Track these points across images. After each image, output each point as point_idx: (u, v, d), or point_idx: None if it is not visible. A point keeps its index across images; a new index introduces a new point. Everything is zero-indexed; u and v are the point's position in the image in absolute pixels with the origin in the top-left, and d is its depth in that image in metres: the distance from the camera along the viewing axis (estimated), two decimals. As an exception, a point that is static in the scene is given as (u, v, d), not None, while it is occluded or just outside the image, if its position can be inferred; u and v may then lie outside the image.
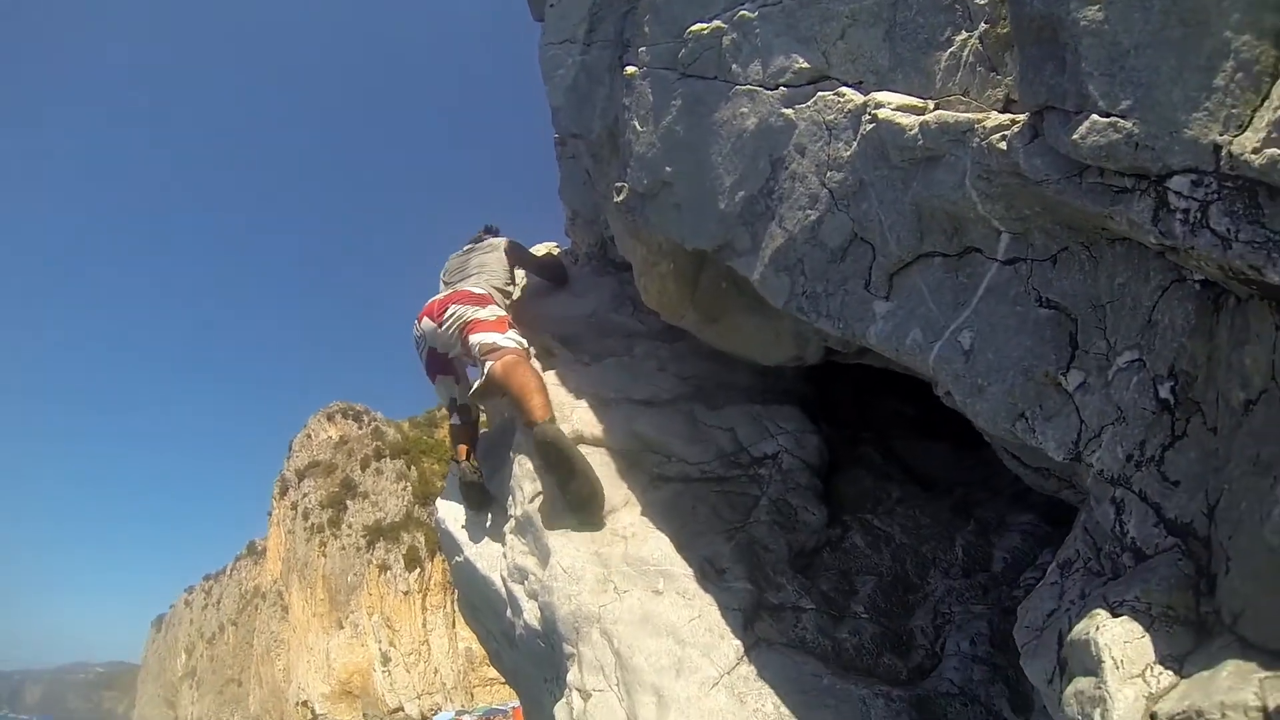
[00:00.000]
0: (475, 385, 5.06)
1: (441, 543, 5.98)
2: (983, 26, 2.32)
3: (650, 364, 5.50)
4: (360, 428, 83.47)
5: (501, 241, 6.34)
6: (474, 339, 5.05)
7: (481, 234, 6.74)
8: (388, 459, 74.66)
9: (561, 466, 4.33)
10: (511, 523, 4.70)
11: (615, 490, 4.45)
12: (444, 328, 5.24)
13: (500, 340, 5.00)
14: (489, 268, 5.92)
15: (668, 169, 3.88)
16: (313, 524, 72.54)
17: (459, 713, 54.26)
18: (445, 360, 5.50)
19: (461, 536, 5.36)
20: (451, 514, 5.61)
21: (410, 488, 71.45)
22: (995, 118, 2.21)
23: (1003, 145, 2.13)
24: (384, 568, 66.53)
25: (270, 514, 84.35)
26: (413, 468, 73.56)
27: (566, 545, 4.15)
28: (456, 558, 5.43)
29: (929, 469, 5.12)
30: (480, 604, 5.38)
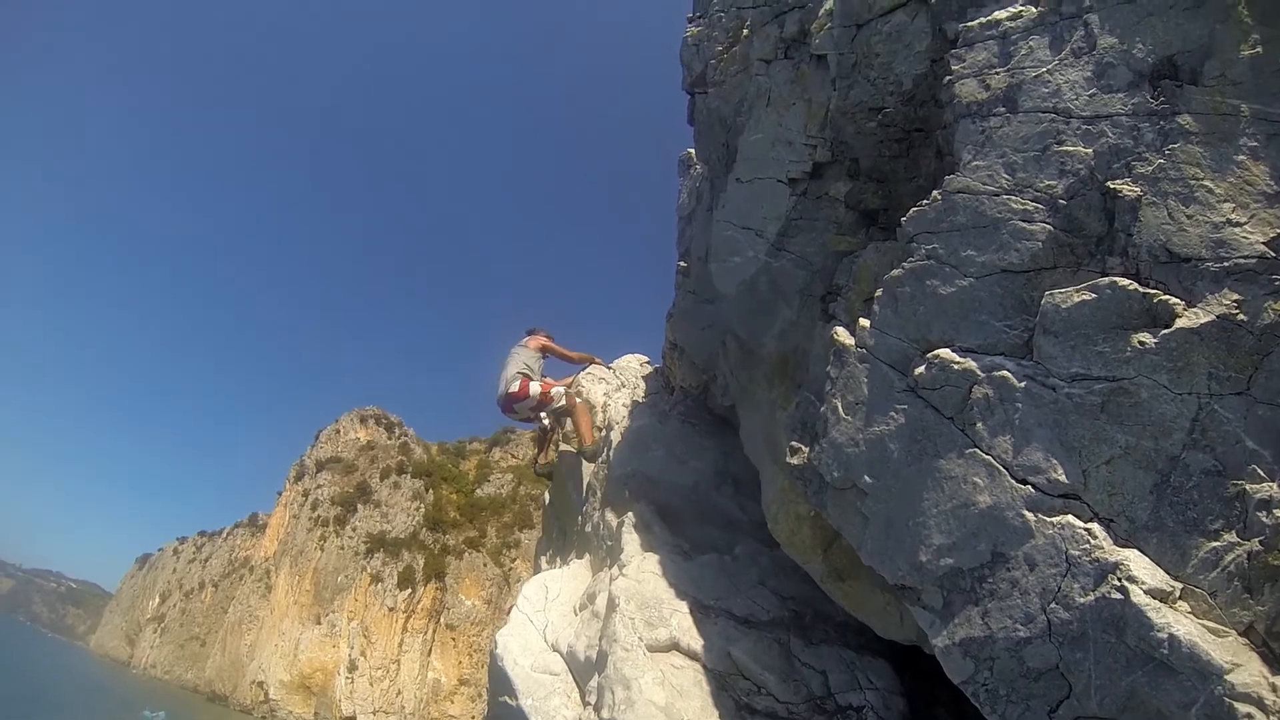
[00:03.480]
0: (557, 407, 8.78)
1: (491, 674, 5.99)
2: (1257, 545, 2.38)
3: (751, 572, 5.57)
4: (389, 438, 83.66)
5: (535, 342, 9.42)
6: (551, 406, 8.73)
7: (525, 333, 9.72)
8: (408, 476, 74.62)
9: None
10: (591, 715, 4.71)
11: (705, 717, 4.48)
12: (519, 411, 8.88)
13: (561, 401, 8.72)
14: (519, 359, 8.98)
15: (867, 479, 3.73)
16: (319, 516, 72.53)
17: (410, 743, 53.51)
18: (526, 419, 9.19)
19: (520, 684, 5.39)
20: (512, 654, 5.65)
21: (423, 510, 71.25)
22: (1247, 675, 2.28)
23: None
24: (376, 579, 66.19)
25: (280, 494, 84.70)
26: (430, 491, 73.44)
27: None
28: (507, 699, 5.45)
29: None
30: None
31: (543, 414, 8.90)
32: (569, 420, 9.04)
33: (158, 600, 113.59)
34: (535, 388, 8.67)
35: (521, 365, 8.88)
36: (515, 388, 8.64)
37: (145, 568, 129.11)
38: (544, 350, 9.43)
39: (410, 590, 65.73)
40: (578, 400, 8.71)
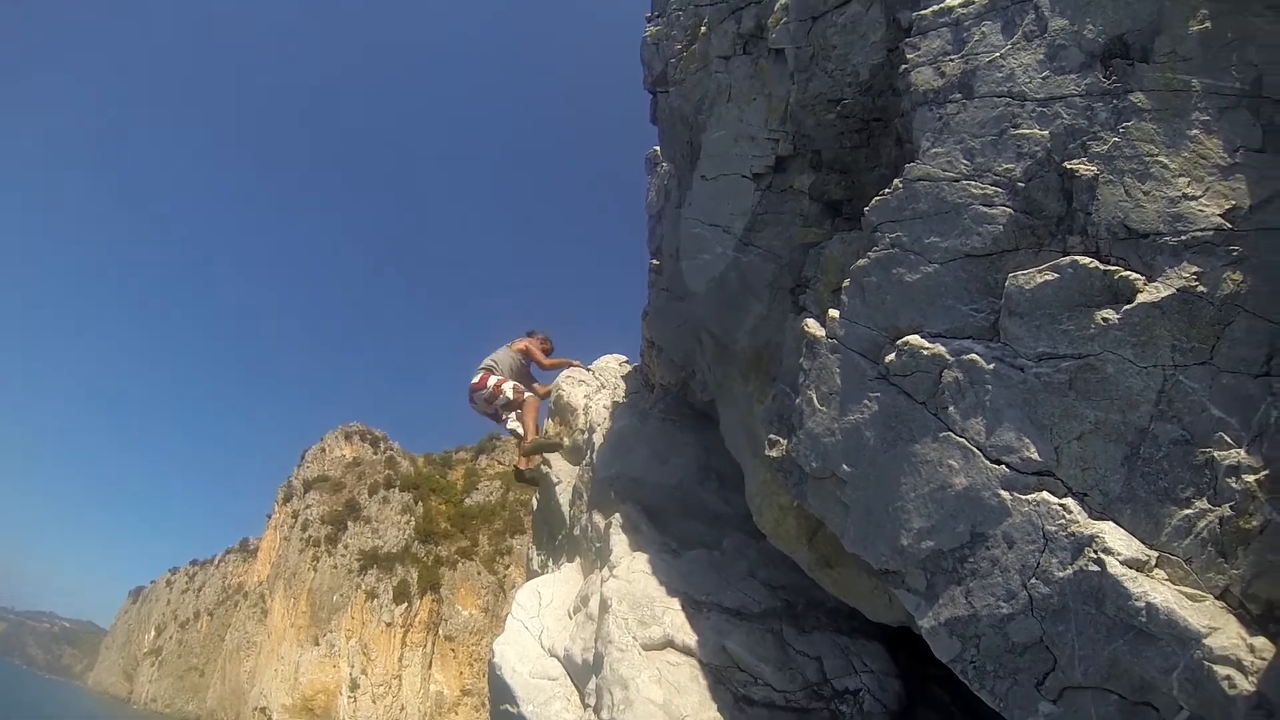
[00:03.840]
0: (508, 400, 9.09)
1: (491, 683, 6.01)
2: (1227, 511, 2.43)
3: (740, 565, 5.60)
4: (375, 453, 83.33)
5: (520, 344, 9.91)
6: (499, 400, 9.10)
7: (525, 333, 10.29)
8: (396, 490, 74.29)
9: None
10: (591, 717, 4.73)
11: (704, 711, 4.52)
12: (477, 403, 9.33)
13: (509, 394, 9.08)
14: (493, 357, 9.55)
15: (845, 467, 3.76)
16: (310, 536, 72.10)
17: (416, 757, 53.27)
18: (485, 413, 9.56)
19: (520, 692, 5.41)
20: (510, 662, 5.66)
21: (414, 523, 70.90)
22: (1225, 638, 2.32)
23: (1227, 686, 2.25)
24: (372, 595, 65.85)
25: (269, 517, 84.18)
26: (420, 504, 73.11)
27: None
28: (508, 707, 5.46)
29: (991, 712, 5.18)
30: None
31: (502, 413, 9.34)
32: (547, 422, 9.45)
33: (154, 633, 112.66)
34: (492, 381, 9.15)
35: (491, 361, 9.42)
36: (476, 379, 9.24)
37: (139, 601, 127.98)
38: (525, 353, 9.83)
39: (406, 604, 65.38)
40: (526, 395, 9.23)
